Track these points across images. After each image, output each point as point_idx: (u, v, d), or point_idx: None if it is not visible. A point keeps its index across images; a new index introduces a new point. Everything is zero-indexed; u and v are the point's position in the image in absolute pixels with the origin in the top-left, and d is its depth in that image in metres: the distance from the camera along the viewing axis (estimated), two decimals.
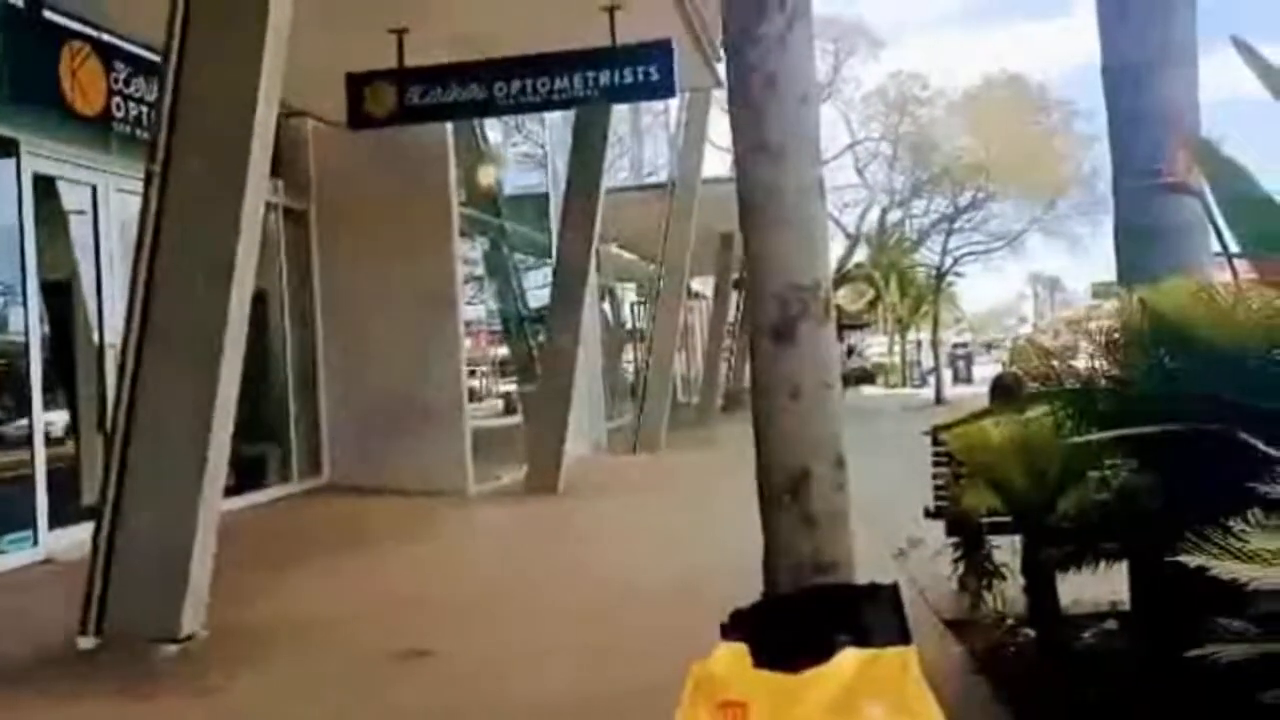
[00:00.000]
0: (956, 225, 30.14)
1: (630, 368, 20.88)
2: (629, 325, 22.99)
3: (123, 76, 7.82)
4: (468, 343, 11.51)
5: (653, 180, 20.13)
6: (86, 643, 4.64)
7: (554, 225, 13.17)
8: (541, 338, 11.83)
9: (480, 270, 13.45)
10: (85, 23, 7.50)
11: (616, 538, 7.70)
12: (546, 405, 10.53)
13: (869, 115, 32.52)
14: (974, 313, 54.99)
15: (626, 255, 20.82)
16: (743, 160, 3.35)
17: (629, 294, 23.39)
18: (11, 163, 6.95)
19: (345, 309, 10.26)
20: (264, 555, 6.75)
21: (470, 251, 12.54)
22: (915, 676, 1.87)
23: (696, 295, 24.40)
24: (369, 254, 10.11)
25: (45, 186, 7.33)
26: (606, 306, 19.54)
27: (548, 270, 12.85)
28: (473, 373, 12.34)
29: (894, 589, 2.28)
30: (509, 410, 13.85)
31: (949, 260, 30.28)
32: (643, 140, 23.32)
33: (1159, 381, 3.25)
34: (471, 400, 11.23)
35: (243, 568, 5.60)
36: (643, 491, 10.61)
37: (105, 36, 7.67)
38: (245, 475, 8.77)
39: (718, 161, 22.16)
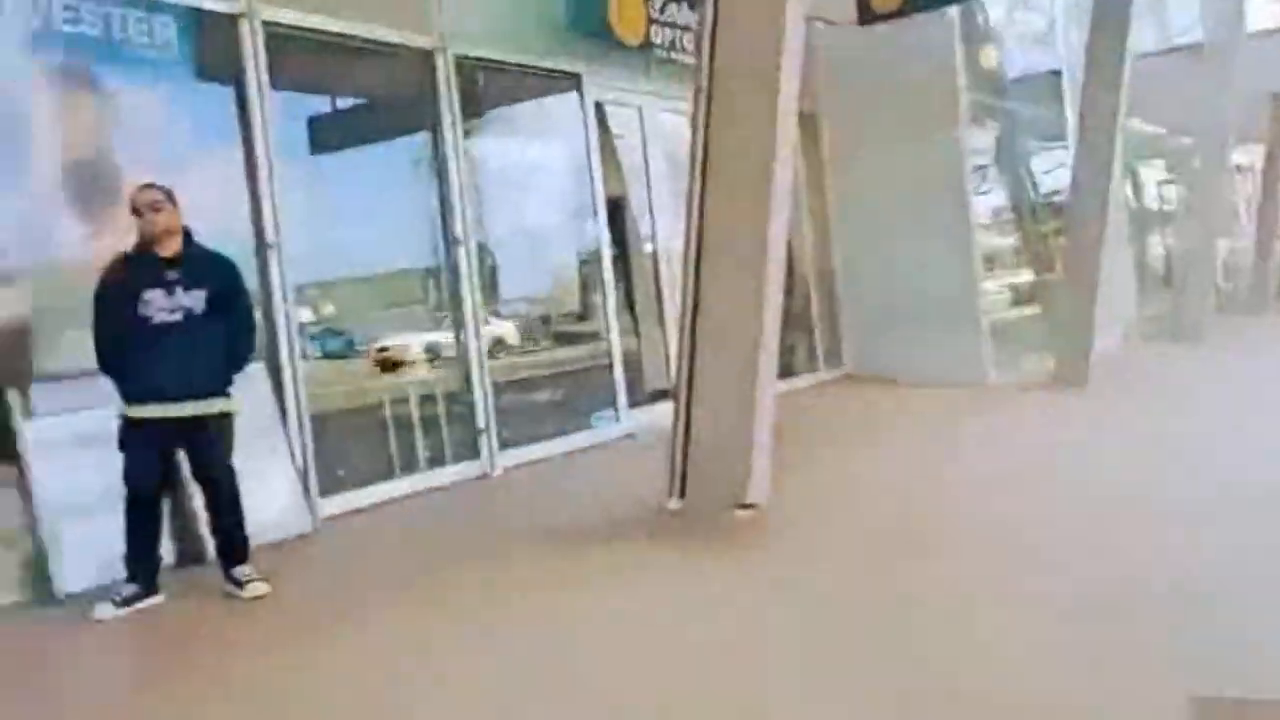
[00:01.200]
0: None
1: (1159, 252, 18.97)
2: (1156, 207, 20.78)
3: (659, 4, 8.60)
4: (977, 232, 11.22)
5: (1183, 42, 17.74)
6: (674, 504, 5.42)
7: (1068, 104, 12.28)
8: (1053, 224, 11.18)
9: (988, 158, 12.95)
10: None
11: (1159, 438, 7.05)
12: (1071, 295, 10.00)
13: None
14: None
15: (1150, 129, 18.73)
16: None
17: (1155, 172, 21.08)
18: (575, 95, 8.01)
19: (856, 205, 10.52)
20: (804, 436, 7.29)
21: (978, 140, 12.11)
22: None
23: (1238, 168, 21.28)
24: (877, 150, 10.24)
25: (600, 113, 8.35)
26: (1129, 188, 17.83)
27: (1060, 154, 12.04)
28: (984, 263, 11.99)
29: None
30: (1016, 302, 13.32)
31: None
32: None
33: None
34: None
35: (790, 446, 6.14)
36: (1188, 387, 9.59)
37: None
38: (780, 365, 9.47)
39: (1262, 13, 18.92)
